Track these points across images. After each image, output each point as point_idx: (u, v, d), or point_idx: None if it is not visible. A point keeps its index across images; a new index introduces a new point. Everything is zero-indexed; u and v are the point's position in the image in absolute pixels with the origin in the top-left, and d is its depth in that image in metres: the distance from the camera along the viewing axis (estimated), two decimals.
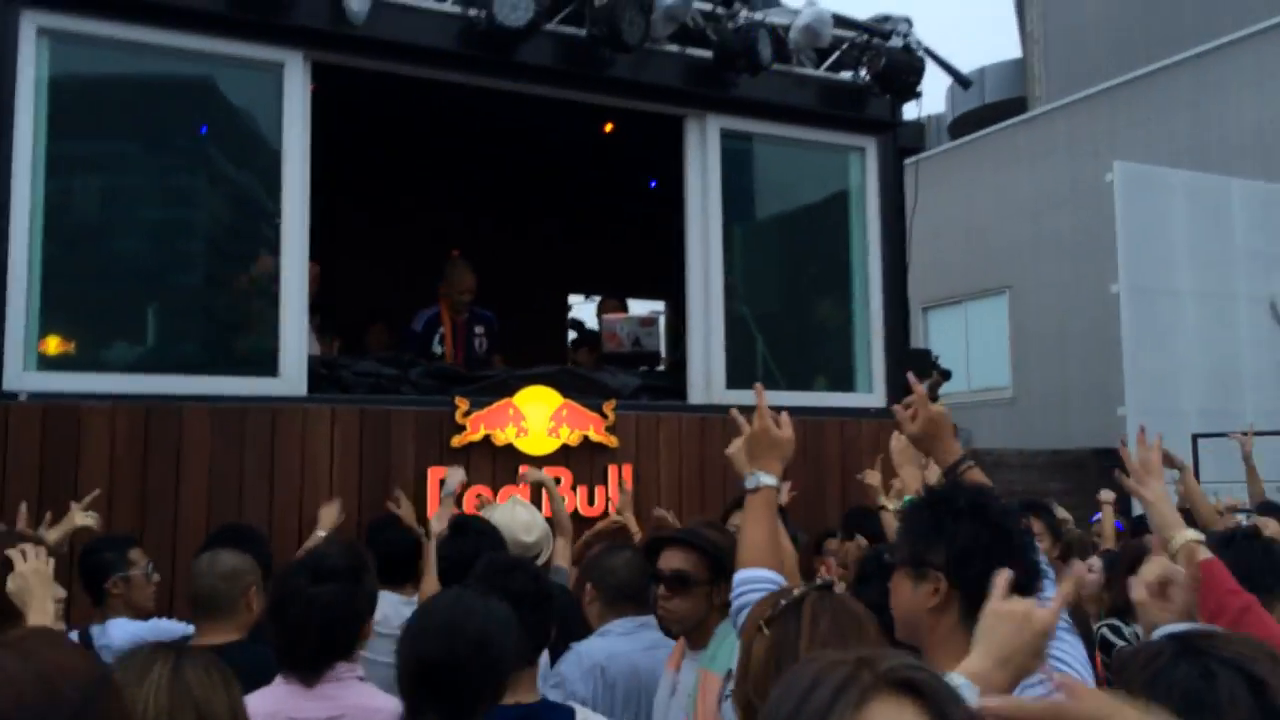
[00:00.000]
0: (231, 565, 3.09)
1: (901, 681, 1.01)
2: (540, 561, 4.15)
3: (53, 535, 3.61)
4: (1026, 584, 1.81)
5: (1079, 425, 12.85)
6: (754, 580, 2.42)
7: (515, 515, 4.11)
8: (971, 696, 1.62)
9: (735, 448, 2.81)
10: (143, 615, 3.51)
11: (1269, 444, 6.37)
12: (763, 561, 2.46)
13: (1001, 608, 1.69)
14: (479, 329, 6.38)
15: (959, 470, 2.46)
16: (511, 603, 2.37)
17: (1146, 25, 16.07)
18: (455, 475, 4.62)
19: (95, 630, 3.29)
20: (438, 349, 6.23)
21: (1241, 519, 4.56)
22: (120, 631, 3.22)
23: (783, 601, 1.97)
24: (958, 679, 1.63)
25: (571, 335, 8.60)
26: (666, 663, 3.06)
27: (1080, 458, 10.84)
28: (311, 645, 2.54)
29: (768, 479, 2.56)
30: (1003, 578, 1.70)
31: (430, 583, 3.55)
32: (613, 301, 7.44)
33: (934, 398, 8.21)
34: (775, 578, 2.43)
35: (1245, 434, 5.60)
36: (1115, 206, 9.44)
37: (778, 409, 2.70)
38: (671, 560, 2.92)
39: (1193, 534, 2.39)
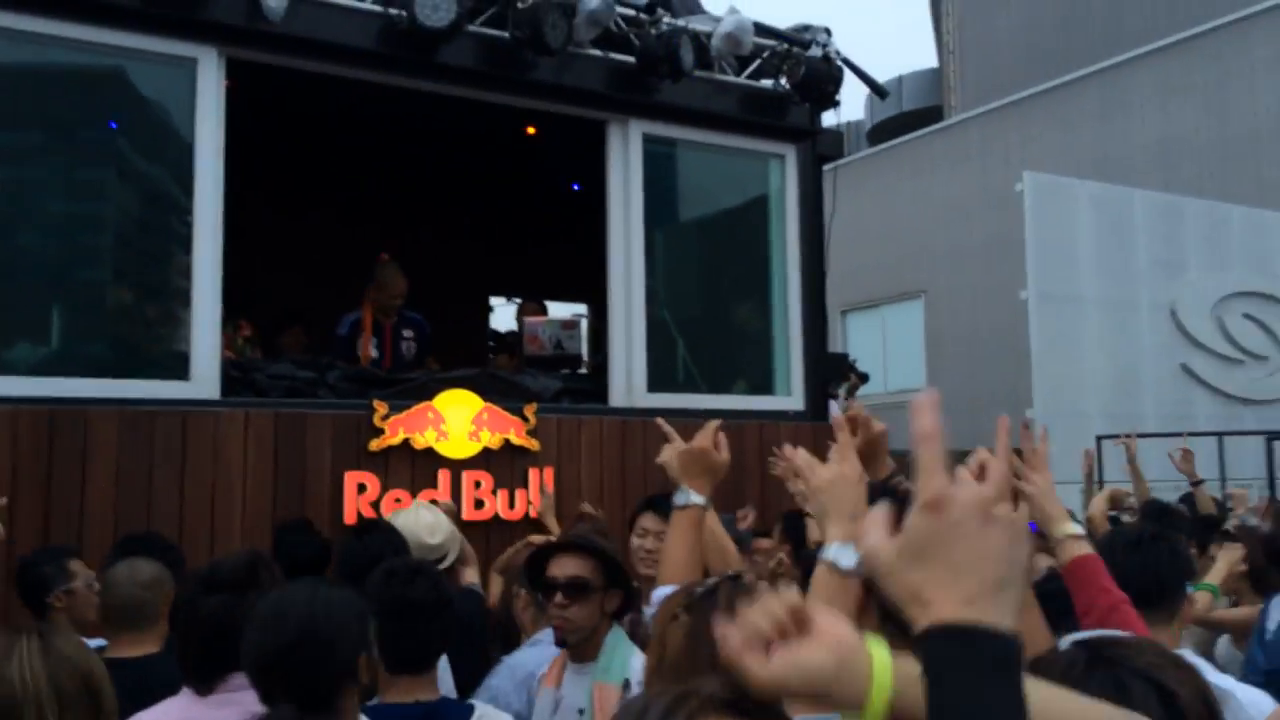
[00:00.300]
0: (151, 574, 3.01)
1: (727, 703, 1.02)
2: (445, 564, 4.10)
3: None
4: None
5: (990, 426, 13.17)
6: None
7: (419, 518, 4.07)
8: (851, 556, 1.77)
9: (667, 456, 2.72)
10: (84, 629, 3.40)
11: (1165, 446, 6.63)
12: (683, 578, 2.44)
13: (817, 481, 1.90)
14: (407, 333, 6.30)
15: (890, 483, 2.49)
16: (411, 609, 2.44)
17: (1057, 39, 16.59)
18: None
19: None
20: (359, 352, 6.13)
21: (1126, 517, 4.75)
22: None
23: (698, 590, 2.00)
24: (832, 550, 1.79)
25: (491, 343, 8.55)
26: (542, 680, 2.98)
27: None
28: (201, 654, 2.50)
29: (697, 498, 2.55)
30: (799, 457, 1.95)
31: None
32: (532, 305, 7.42)
33: (850, 398, 8.29)
34: None
35: (1129, 438, 5.85)
36: (1024, 215, 9.73)
37: (699, 414, 2.74)
38: (567, 567, 2.85)
39: (1075, 528, 2.43)
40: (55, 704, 1.89)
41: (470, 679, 3.32)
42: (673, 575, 2.47)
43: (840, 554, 1.85)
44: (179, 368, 4.82)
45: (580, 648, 2.84)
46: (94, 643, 3.11)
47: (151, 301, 5.13)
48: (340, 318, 6.26)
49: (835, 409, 8.33)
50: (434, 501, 4.84)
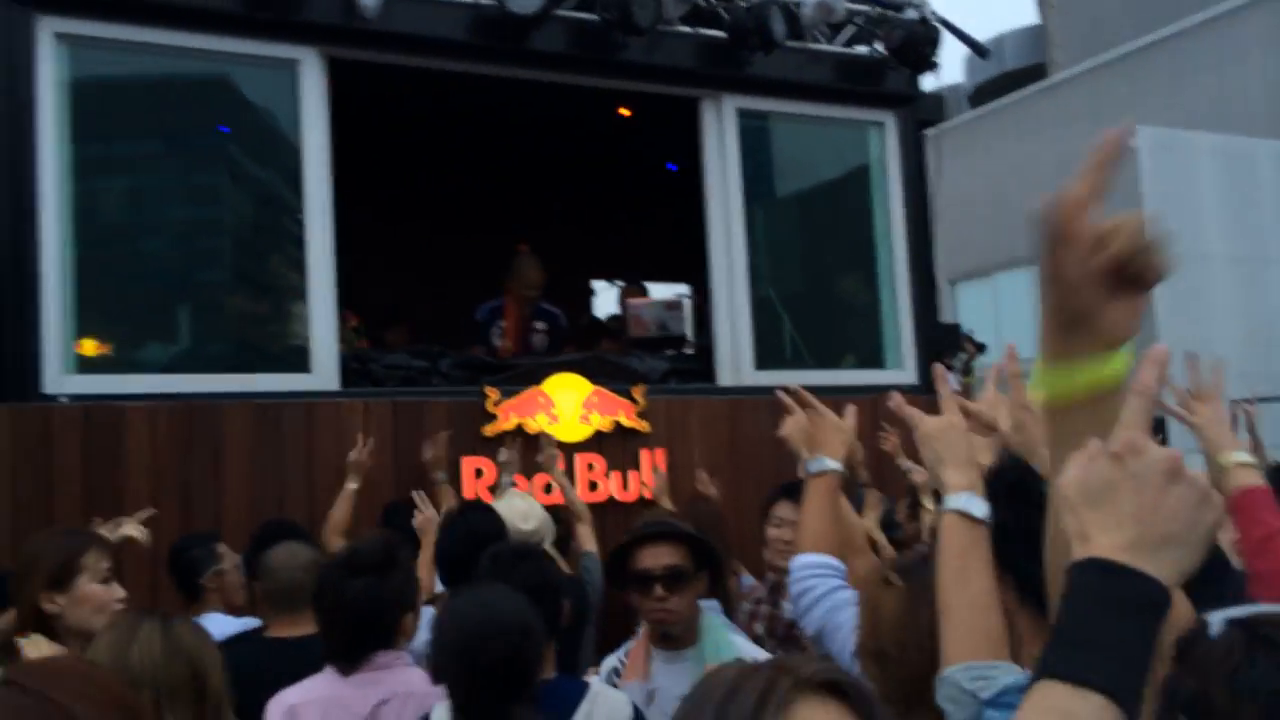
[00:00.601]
0: (308, 557, 3.14)
1: (824, 684, 1.00)
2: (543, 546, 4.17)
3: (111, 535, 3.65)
4: None
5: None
6: (815, 565, 2.38)
7: (513, 505, 4.14)
8: (980, 505, 1.75)
9: (790, 429, 2.67)
10: (235, 610, 3.57)
11: None
12: (823, 547, 2.41)
13: (927, 429, 1.85)
14: (539, 325, 6.43)
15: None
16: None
17: None
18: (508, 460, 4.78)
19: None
20: (496, 341, 6.30)
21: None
22: (216, 627, 3.28)
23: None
24: (960, 499, 1.75)
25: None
26: (624, 674, 2.86)
27: None
28: (346, 636, 2.60)
29: (832, 464, 2.51)
30: (906, 407, 1.90)
31: (424, 564, 3.60)
32: (634, 288, 7.44)
33: (968, 371, 8.11)
34: (836, 563, 2.40)
35: (1249, 403, 5.51)
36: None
37: (808, 390, 2.71)
38: (661, 557, 2.76)
39: (1244, 456, 2.30)
40: (166, 687, 1.98)
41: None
42: (813, 543, 2.42)
43: (969, 503, 1.79)
44: (300, 361, 4.99)
45: (682, 638, 2.78)
46: (243, 623, 3.28)
47: (269, 299, 5.33)
48: (479, 304, 6.43)
49: (952, 381, 8.14)
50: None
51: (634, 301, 6.61)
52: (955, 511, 1.75)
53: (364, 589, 2.60)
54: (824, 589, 2.34)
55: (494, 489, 4.93)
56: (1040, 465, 1.89)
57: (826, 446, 2.54)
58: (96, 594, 2.56)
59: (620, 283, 8.51)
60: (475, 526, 3.45)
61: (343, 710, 2.53)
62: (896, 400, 2.07)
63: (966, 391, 8.31)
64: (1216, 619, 1.22)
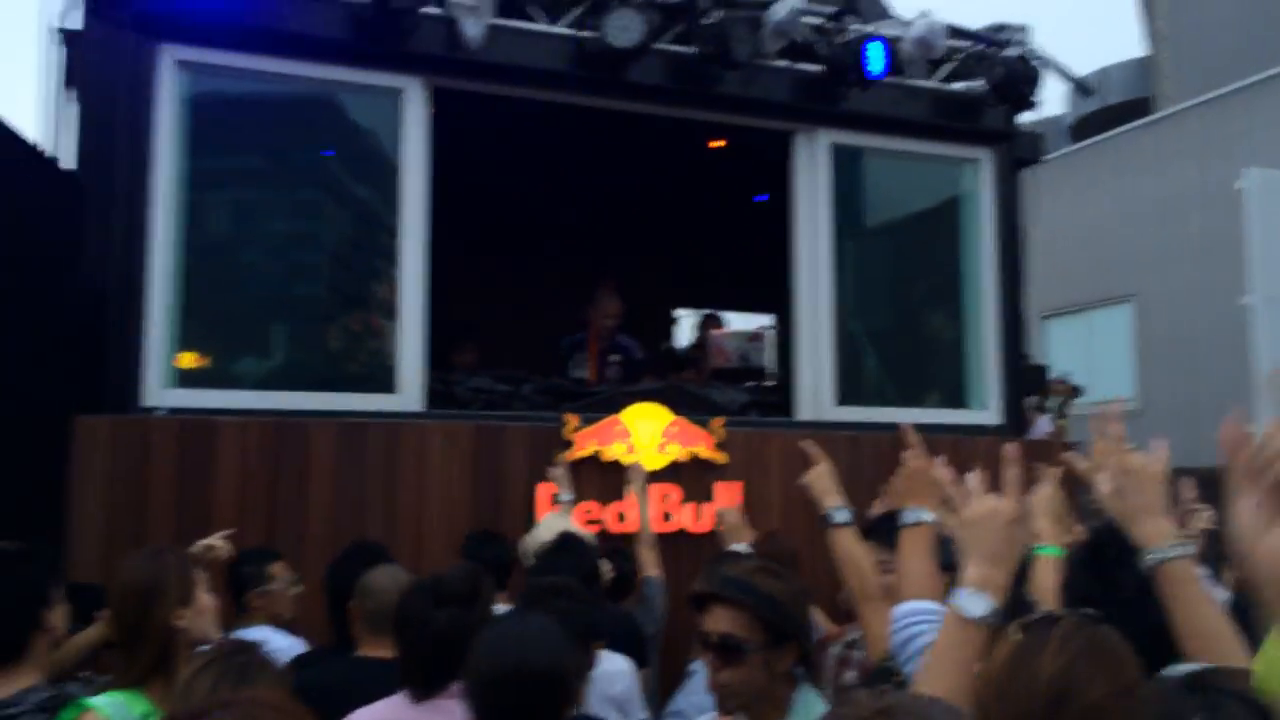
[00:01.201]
0: (408, 582, 3.21)
1: None
2: None
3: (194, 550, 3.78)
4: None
5: (1210, 440, 12.29)
6: (919, 612, 2.38)
7: (553, 526, 4.16)
8: (982, 604, 1.86)
9: (814, 477, 2.99)
10: (282, 623, 3.69)
11: None
12: (926, 594, 2.44)
13: (969, 515, 1.91)
14: (614, 357, 6.55)
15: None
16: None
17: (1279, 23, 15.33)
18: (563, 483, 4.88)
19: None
20: (576, 372, 6.47)
21: None
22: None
23: (1039, 614, 1.95)
24: (964, 595, 1.87)
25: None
26: None
27: (1211, 474, 10.37)
28: (427, 666, 2.64)
29: (927, 516, 2.57)
30: (942, 472, 2.14)
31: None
32: (713, 319, 7.46)
33: (1062, 414, 7.95)
34: (941, 609, 2.38)
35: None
36: (1247, 213, 9.02)
37: (889, 428, 2.82)
38: (718, 621, 2.37)
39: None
40: None
41: None
42: (917, 592, 2.46)
43: (970, 601, 1.88)
44: (387, 381, 5.10)
45: (760, 709, 2.37)
46: (289, 637, 3.39)
47: (362, 318, 5.46)
48: (563, 334, 6.66)
49: (1045, 425, 7.97)
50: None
51: (716, 332, 6.63)
52: (954, 609, 1.87)
53: (447, 619, 2.65)
54: (931, 636, 2.32)
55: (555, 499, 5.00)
56: (1137, 534, 1.95)
57: (921, 498, 2.60)
58: (210, 604, 2.76)
59: (705, 311, 8.53)
60: (560, 568, 3.46)
61: None
62: (923, 463, 2.46)
63: (1060, 433, 8.11)
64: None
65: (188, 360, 4.93)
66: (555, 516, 4.56)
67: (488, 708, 2.24)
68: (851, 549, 2.96)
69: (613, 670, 3.21)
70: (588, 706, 3.06)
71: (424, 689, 2.65)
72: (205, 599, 2.74)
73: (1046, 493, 2.94)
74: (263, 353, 5.44)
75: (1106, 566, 2.04)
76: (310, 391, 4.99)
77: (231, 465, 4.61)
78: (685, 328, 9.69)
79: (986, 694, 1.62)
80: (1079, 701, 1.46)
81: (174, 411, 4.63)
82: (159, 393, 4.67)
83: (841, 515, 3.01)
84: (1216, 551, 5.61)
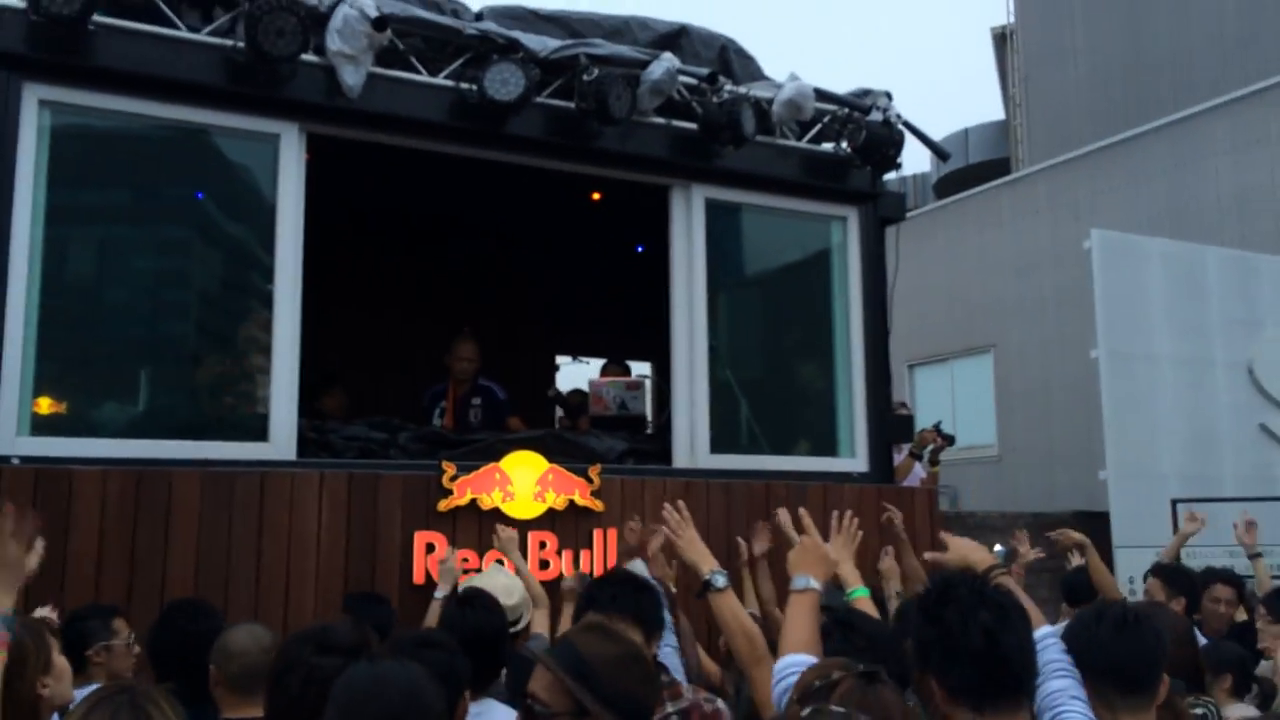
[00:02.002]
0: (272, 640, 3.06)
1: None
2: (520, 625, 4.22)
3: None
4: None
5: (1063, 485, 12.95)
6: (798, 664, 2.53)
7: (495, 581, 4.18)
8: (805, 581, 2.84)
9: (686, 544, 3.38)
10: (120, 679, 3.57)
11: (1250, 510, 6.48)
12: (805, 650, 2.64)
13: (799, 546, 2.99)
14: (475, 400, 6.57)
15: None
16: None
17: (1125, 92, 16.46)
18: (450, 557, 4.84)
19: None
20: (437, 421, 6.46)
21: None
22: None
23: (818, 683, 2.13)
24: (797, 579, 2.84)
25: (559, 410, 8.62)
26: None
27: (1061, 520, 10.89)
28: (305, 713, 2.59)
29: (815, 584, 2.86)
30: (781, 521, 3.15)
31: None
32: (615, 367, 7.54)
33: (934, 462, 8.27)
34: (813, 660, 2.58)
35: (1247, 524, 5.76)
36: (1093, 272, 9.62)
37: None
38: (535, 682, 2.27)
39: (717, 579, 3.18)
40: None
41: None
42: (796, 648, 2.66)
43: (801, 581, 2.86)
44: (258, 429, 5.00)
45: None
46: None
47: (232, 365, 5.35)
48: (426, 388, 6.64)
49: (919, 472, 8.26)
50: (499, 561, 4.98)
51: (596, 380, 6.71)
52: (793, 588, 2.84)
53: (332, 667, 2.58)
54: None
55: (442, 563, 4.95)
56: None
57: (811, 568, 2.89)
58: (65, 667, 2.78)
59: (585, 359, 8.61)
60: (471, 620, 3.43)
61: None
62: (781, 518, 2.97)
63: (932, 480, 8.42)
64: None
65: (45, 405, 4.74)
66: (500, 572, 4.53)
67: None
68: (736, 613, 3.08)
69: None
70: None
71: None
72: (61, 662, 2.70)
73: (841, 540, 3.43)
74: (126, 398, 5.25)
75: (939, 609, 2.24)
76: (176, 440, 4.85)
77: (90, 517, 4.44)
78: (570, 374, 9.76)
79: None
80: None
81: (27, 460, 4.45)
82: (13, 440, 4.47)
83: (720, 580, 3.12)
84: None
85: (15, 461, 4.42)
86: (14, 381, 4.51)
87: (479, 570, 5.03)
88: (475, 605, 3.53)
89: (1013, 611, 2.21)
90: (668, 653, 3.41)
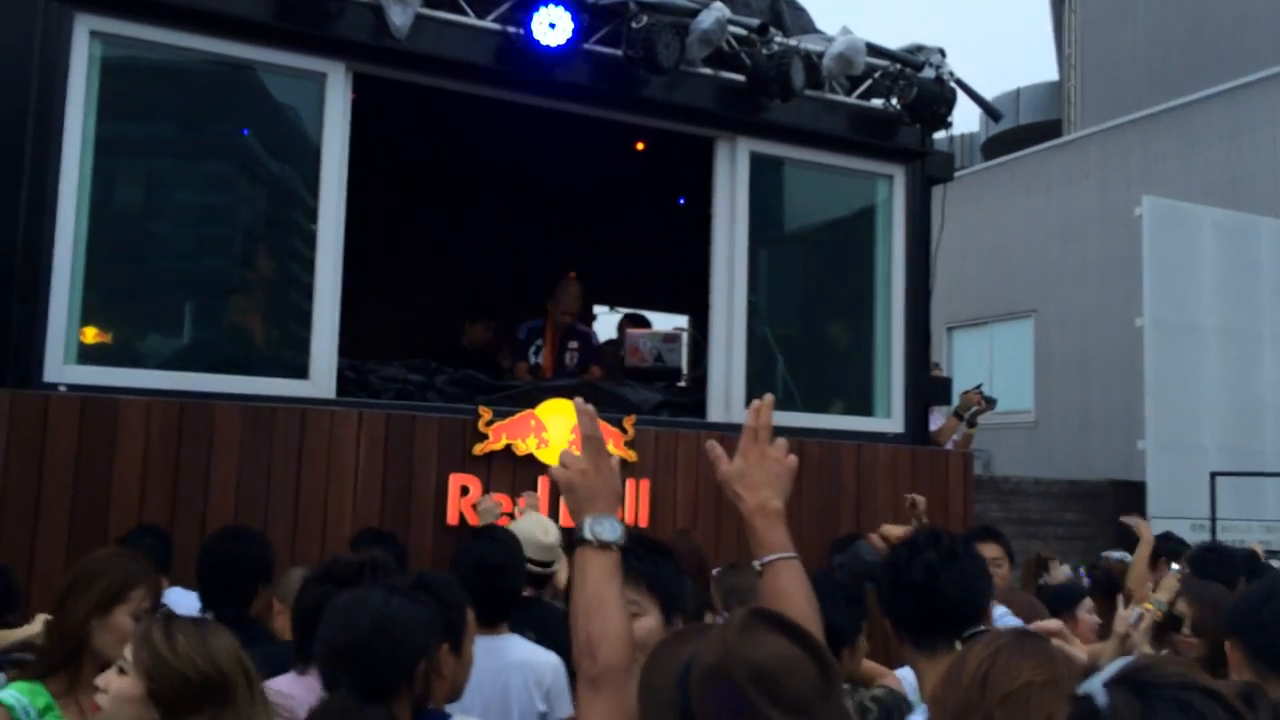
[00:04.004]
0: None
1: None
2: (553, 568, 4.21)
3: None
4: None
5: (1099, 454, 12.83)
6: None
7: (536, 520, 4.20)
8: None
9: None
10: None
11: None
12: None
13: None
14: (572, 343, 6.67)
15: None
16: None
17: (1184, 56, 16.02)
18: (486, 499, 4.88)
19: None
20: (533, 359, 6.57)
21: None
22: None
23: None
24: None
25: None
26: None
27: (1098, 488, 10.83)
28: (301, 638, 2.69)
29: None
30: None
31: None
32: (634, 318, 7.57)
33: (973, 424, 8.12)
34: None
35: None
36: (1143, 240, 9.45)
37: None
38: None
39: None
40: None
41: None
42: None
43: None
44: (299, 367, 5.06)
45: None
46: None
47: (274, 303, 5.40)
48: (520, 324, 6.74)
49: (937, 421, 8.20)
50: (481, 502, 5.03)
51: (633, 331, 6.70)
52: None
53: (317, 595, 2.66)
54: None
55: (476, 506, 5.02)
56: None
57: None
58: (127, 629, 2.53)
59: (622, 310, 8.60)
60: (484, 557, 3.45)
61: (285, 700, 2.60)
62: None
63: (966, 442, 8.38)
64: (1094, 687, 1.21)
65: (91, 335, 4.82)
66: (537, 514, 4.56)
67: (328, 671, 2.26)
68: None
69: (541, 661, 3.25)
70: (514, 688, 3.10)
71: (303, 661, 2.69)
72: (125, 621, 2.57)
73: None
74: (170, 330, 5.34)
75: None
76: (218, 374, 4.92)
77: (133, 446, 4.53)
78: (604, 325, 9.77)
79: (938, 688, 1.76)
80: (1001, 685, 1.60)
81: (75, 389, 4.53)
82: (60, 368, 4.56)
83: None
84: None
85: (62, 389, 4.51)
86: (61, 310, 4.58)
87: (510, 515, 5.09)
88: (483, 537, 3.57)
89: (964, 558, 2.29)
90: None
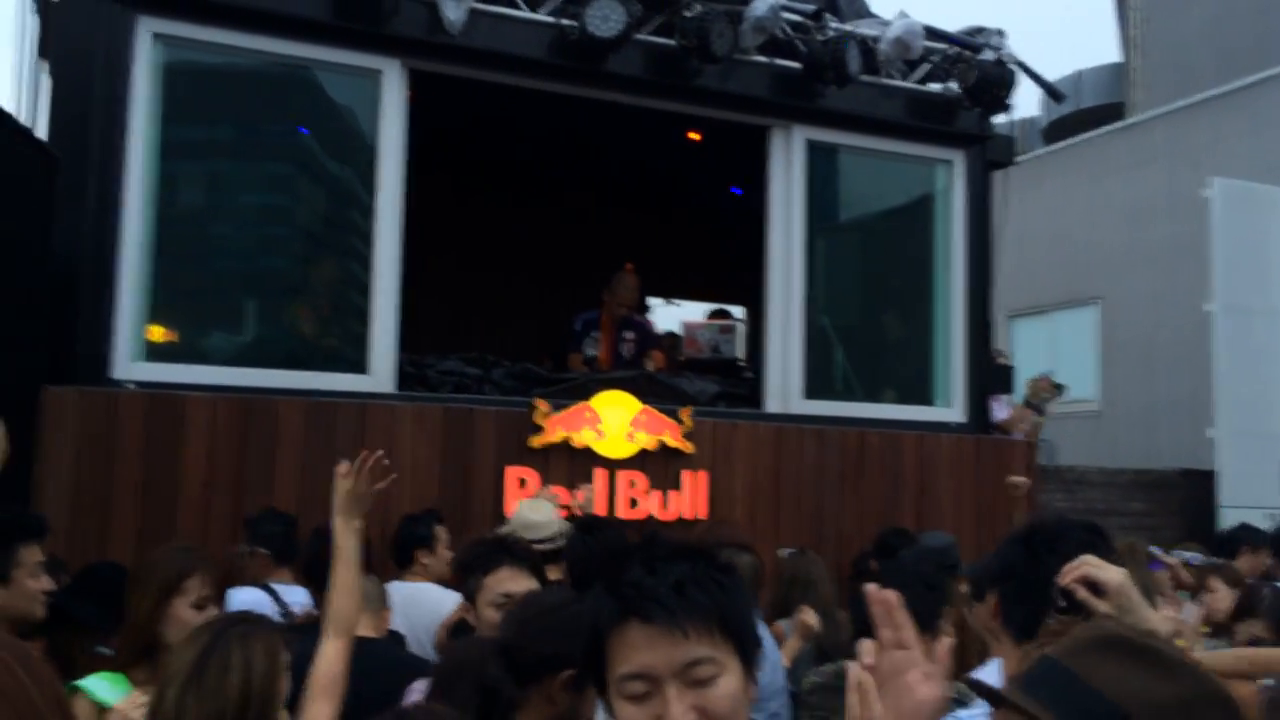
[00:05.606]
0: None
1: None
2: (553, 545, 4.03)
3: None
4: None
5: (1166, 443, 12.52)
6: None
7: (537, 504, 4.15)
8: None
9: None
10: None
11: None
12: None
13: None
14: (629, 335, 6.68)
15: None
16: None
17: (1250, 34, 15.54)
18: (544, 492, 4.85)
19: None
20: (590, 351, 6.56)
21: None
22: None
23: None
24: None
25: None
26: None
27: (1165, 478, 10.56)
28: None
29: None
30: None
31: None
32: (720, 313, 7.55)
33: (1042, 411, 7.97)
34: None
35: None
36: (1212, 223, 9.20)
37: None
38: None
39: None
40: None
41: None
42: None
43: None
44: (359, 362, 5.11)
45: None
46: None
47: (334, 300, 5.46)
48: (576, 314, 6.75)
49: (1000, 411, 8.07)
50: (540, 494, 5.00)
51: (690, 322, 6.68)
52: None
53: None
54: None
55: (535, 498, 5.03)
56: None
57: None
58: (188, 619, 2.58)
59: (677, 301, 8.58)
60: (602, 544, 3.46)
61: None
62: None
63: (1035, 431, 8.22)
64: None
65: (157, 334, 4.91)
66: (538, 499, 4.53)
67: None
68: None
69: None
70: None
71: None
72: (185, 613, 2.61)
73: None
74: (233, 328, 5.43)
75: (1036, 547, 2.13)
76: (281, 370, 4.99)
77: (199, 441, 4.61)
78: (662, 316, 9.76)
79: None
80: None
81: (142, 385, 4.62)
82: (128, 366, 4.65)
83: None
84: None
85: (130, 386, 4.60)
86: (128, 310, 4.68)
87: (567, 508, 5.09)
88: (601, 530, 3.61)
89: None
90: None
